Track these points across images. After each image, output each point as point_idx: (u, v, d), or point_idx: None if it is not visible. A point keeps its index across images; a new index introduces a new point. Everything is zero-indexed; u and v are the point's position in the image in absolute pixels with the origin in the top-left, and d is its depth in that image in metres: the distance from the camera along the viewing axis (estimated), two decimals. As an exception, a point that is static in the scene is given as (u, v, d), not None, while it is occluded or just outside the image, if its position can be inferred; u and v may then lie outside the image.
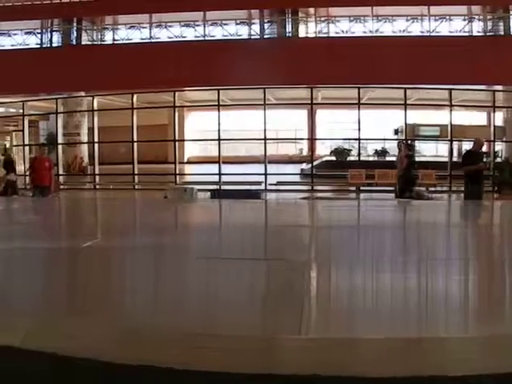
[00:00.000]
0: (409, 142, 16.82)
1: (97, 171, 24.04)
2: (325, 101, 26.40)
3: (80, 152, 26.67)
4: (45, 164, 14.96)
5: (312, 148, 23.67)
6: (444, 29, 23.91)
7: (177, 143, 23.43)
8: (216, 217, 8.56)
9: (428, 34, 23.72)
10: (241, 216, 8.19)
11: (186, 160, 29.19)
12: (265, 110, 21.76)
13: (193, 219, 8.24)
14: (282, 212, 8.83)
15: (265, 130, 21.62)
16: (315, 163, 23.21)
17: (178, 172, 22.38)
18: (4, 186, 17.74)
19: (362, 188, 20.65)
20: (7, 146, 23.92)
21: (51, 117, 29.16)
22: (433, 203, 13.83)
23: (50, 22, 30.02)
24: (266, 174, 20.86)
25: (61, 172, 24.06)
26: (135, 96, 23.01)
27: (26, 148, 25.42)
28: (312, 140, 23.73)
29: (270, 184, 20.37)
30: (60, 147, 25.31)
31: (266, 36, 27.96)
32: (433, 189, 19.48)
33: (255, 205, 10.30)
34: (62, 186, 21.54)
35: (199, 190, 14.61)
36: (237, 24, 28.35)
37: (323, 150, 27.50)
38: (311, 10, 27.90)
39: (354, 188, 20.86)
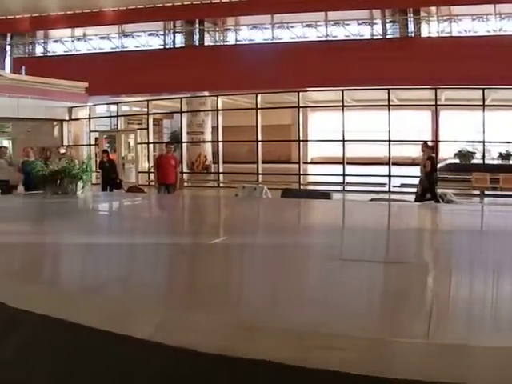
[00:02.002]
0: (428, 143, 16.44)
1: (221, 170, 25.11)
2: (449, 102, 26.53)
3: (203, 150, 27.98)
4: (170, 162, 15.58)
5: (436, 150, 23.91)
6: None
7: (300, 143, 23.99)
8: (319, 216, 8.46)
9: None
10: (351, 216, 8.30)
11: (309, 160, 29.74)
12: (389, 111, 22.10)
13: (292, 218, 8.05)
14: (392, 215, 8.53)
15: (389, 132, 21.87)
16: (438, 166, 23.29)
17: (301, 172, 22.94)
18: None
19: (486, 192, 20.62)
20: (109, 148, 25.06)
21: (175, 115, 31.07)
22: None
23: (172, 23, 32.07)
24: (389, 176, 21.30)
25: (185, 170, 25.22)
26: (259, 96, 23.81)
27: (151, 146, 26.99)
28: (436, 142, 23.98)
29: (394, 186, 20.78)
30: (184, 145, 26.60)
31: (388, 36, 28.43)
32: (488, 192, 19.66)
33: (361, 205, 10.11)
34: (185, 184, 22.67)
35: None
36: (359, 24, 28.96)
37: (447, 153, 27.62)
38: (433, 9, 28.08)
39: (477, 192, 20.82)
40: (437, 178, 15.37)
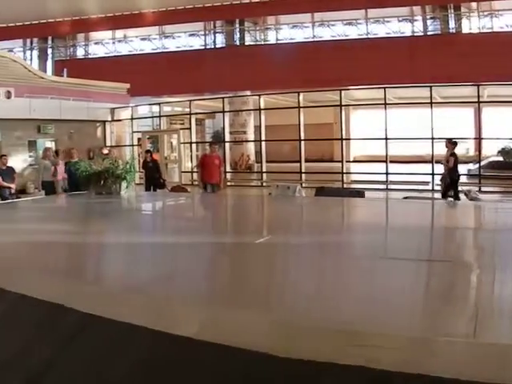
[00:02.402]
0: (453, 140, 16.30)
1: (264, 169, 25.30)
2: (491, 98, 26.45)
3: (246, 150, 28.54)
4: (215, 161, 15.70)
5: (479, 148, 23.88)
6: None
7: (343, 142, 23.93)
8: (356, 215, 8.71)
9: None
10: (387, 214, 8.48)
11: (351, 159, 29.81)
12: (431, 108, 22.04)
13: (330, 216, 8.12)
14: (427, 213, 8.50)
15: (431, 129, 21.75)
16: (482, 163, 23.17)
17: (344, 171, 22.86)
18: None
19: (530, 191, 20.13)
20: (152, 148, 25.29)
21: (217, 115, 31.41)
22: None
23: (212, 23, 32.60)
24: (433, 174, 21.34)
25: (228, 169, 25.34)
26: (301, 95, 23.78)
27: (193, 145, 27.35)
28: (479, 139, 23.96)
29: (437, 184, 20.75)
30: (227, 145, 26.80)
31: (429, 33, 28.54)
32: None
33: (401, 204, 10.03)
34: (228, 183, 22.95)
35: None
36: (399, 21, 29.17)
37: (489, 150, 27.54)
38: (474, 5, 28.06)
39: (522, 190, 20.40)
40: (459, 174, 15.29)
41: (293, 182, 21.13)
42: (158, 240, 6.10)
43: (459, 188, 15.19)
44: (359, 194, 10.96)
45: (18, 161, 21.35)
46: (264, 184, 24.17)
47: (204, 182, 15.69)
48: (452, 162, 14.79)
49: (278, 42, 31.61)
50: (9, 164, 16.00)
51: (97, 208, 9.73)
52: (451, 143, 15.18)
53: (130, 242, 5.89)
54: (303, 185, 13.61)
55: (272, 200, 11.13)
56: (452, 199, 14.03)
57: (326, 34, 30.32)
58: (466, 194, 14.14)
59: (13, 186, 15.56)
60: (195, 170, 24.70)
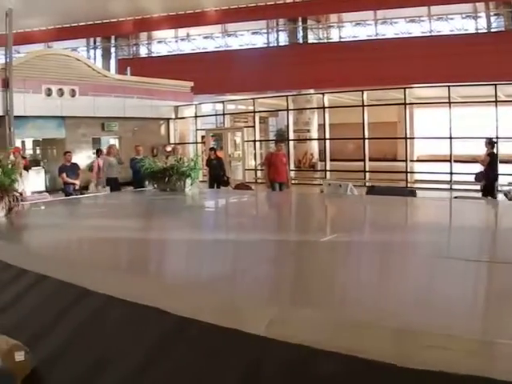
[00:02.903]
0: (492, 139, 16.10)
1: (327, 167, 25.50)
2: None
3: (310, 148, 28.78)
4: (282, 160, 15.90)
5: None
6: None
7: (407, 141, 23.80)
8: (419, 214, 8.67)
9: None
10: (441, 214, 8.28)
11: (415, 158, 29.32)
12: (496, 107, 21.82)
13: (386, 215, 8.07)
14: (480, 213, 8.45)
15: (496, 128, 21.45)
16: None
17: (408, 170, 22.76)
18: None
19: None
20: (215, 146, 25.60)
21: (280, 113, 31.80)
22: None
23: (275, 21, 32.93)
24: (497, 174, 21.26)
25: (291, 168, 25.32)
26: (365, 93, 23.97)
27: (257, 144, 27.89)
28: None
29: (501, 185, 20.68)
30: (291, 143, 27.17)
31: (493, 29, 28.39)
32: None
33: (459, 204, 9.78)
34: (292, 182, 23.19)
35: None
36: (462, 18, 29.09)
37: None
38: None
39: None
40: (497, 174, 15.23)
41: (356, 181, 21.21)
42: (224, 237, 6.29)
43: (499, 188, 15.28)
44: (411, 193, 11.09)
45: (82, 157, 22.09)
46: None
47: (271, 180, 15.82)
48: (487, 161, 14.83)
49: (341, 39, 31.88)
50: (73, 161, 16.68)
51: (162, 205, 9.95)
52: (489, 143, 15.21)
53: (196, 238, 6.06)
54: (346, 183, 13.37)
55: (332, 198, 11.16)
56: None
57: (388, 31, 30.45)
58: (505, 195, 14.14)
59: (77, 182, 16.14)
60: (260, 168, 25.44)
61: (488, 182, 14.79)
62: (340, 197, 11.20)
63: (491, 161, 14.83)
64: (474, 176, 15.84)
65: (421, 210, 9.11)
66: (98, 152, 19.07)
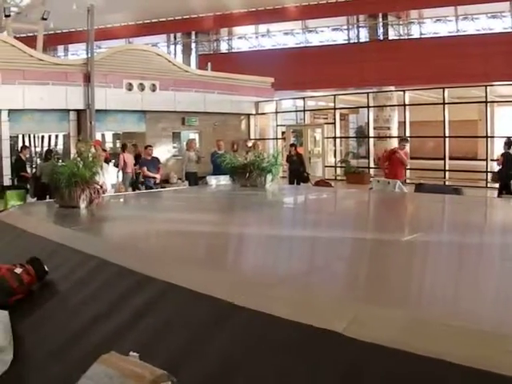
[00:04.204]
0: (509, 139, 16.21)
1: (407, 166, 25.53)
2: None
3: (389, 146, 27.24)
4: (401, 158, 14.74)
5: None
6: None
7: (488, 140, 23.51)
8: (485, 214, 8.76)
9: None
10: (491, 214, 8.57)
11: (495, 157, 28.40)
12: None
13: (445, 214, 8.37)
14: None
15: None
16: None
17: (488, 170, 22.19)
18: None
19: None
20: (295, 142, 25.21)
21: (360, 110, 32.28)
22: None
23: (355, 18, 33.64)
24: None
25: (371, 165, 26.30)
26: (446, 91, 23.82)
27: (337, 140, 28.28)
28: None
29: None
30: (371, 141, 27.75)
31: None
32: None
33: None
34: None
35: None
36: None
37: None
38: None
39: None
40: (508, 174, 15.36)
41: (437, 181, 21.42)
42: (305, 234, 6.39)
43: None
44: (456, 191, 11.24)
45: (163, 152, 22.93)
46: (407, 181, 24.59)
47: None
48: (501, 161, 15.52)
49: (422, 36, 32.11)
50: (153, 155, 17.19)
51: (242, 200, 10.14)
52: (506, 143, 15.65)
53: (277, 234, 6.22)
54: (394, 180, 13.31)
55: (403, 197, 11.08)
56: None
57: (469, 27, 30.54)
58: None
59: (158, 176, 16.63)
60: (375, 165, 25.76)
61: (502, 181, 15.53)
62: (412, 195, 11.34)
63: (506, 160, 15.42)
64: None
65: (495, 210, 9.24)
66: (124, 147, 20.00)
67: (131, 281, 4.29)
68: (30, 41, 24.51)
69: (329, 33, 35.08)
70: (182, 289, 3.91)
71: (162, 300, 3.89)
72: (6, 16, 25.57)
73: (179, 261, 4.79)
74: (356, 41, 34.24)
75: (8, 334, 4.04)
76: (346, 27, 34.82)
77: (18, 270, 4.70)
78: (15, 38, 22.57)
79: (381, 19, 32.99)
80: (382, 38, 32.80)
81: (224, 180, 12.69)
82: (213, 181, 13.13)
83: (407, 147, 14.98)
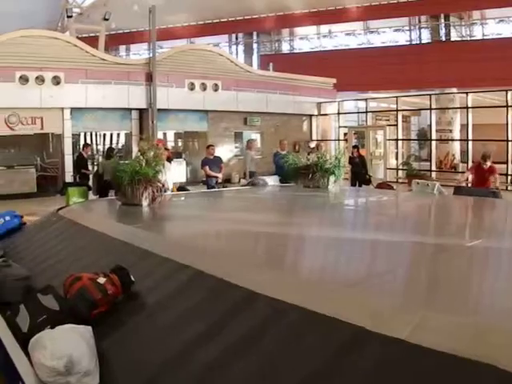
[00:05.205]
0: None
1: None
2: None
3: (452, 149, 28.62)
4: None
5: None
6: None
7: None
8: None
9: None
10: None
11: None
12: None
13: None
14: None
15: None
16: None
17: None
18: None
19: None
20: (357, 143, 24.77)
21: (422, 112, 32.46)
22: None
23: (417, 18, 34.02)
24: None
25: (433, 168, 26.51)
26: (509, 93, 23.84)
27: (399, 143, 28.52)
28: None
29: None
30: (433, 143, 27.82)
31: None
32: None
33: None
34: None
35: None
36: None
37: None
38: None
39: None
40: None
41: (500, 185, 21.48)
42: (369, 237, 6.30)
43: None
44: (494, 194, 11.25)
45: (225, 151, 23.54)
46: (469, 185, 24.82)
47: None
48: None
49: (485, 37, 32.20)
50: (216, 154, 16.98)
51: (305, 201, 10.14)
52: None
53: (340, 237, 6.17)
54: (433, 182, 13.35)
55: (466, 201, 10.77)
56: None
57: None
58: None
59: (219, 175, 16.33)
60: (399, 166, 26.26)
61: None
62: (472, 200, 10.87)
63: None
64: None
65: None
66: None
67: (237, 297, 3.93)
68: (92, 41, 25.61)
69: (390, 34, 35.53)
70: (243, 289, 3.92)
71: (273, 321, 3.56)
72: (69, 17, 27.19)
73: (239, 260, 4.85)
74: (418, 42, 34.60)
75: (94, 355, 3.66)
76: (407, 28, 35.20)
77: (102, 280, 4.42)
78: (77, 38, 23.69)
79: (443, 20, 33.27)
80: (443, 39, 33.10)
81: (274, 180, 13.28)
82: (260, 182, 13.36)
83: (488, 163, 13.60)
